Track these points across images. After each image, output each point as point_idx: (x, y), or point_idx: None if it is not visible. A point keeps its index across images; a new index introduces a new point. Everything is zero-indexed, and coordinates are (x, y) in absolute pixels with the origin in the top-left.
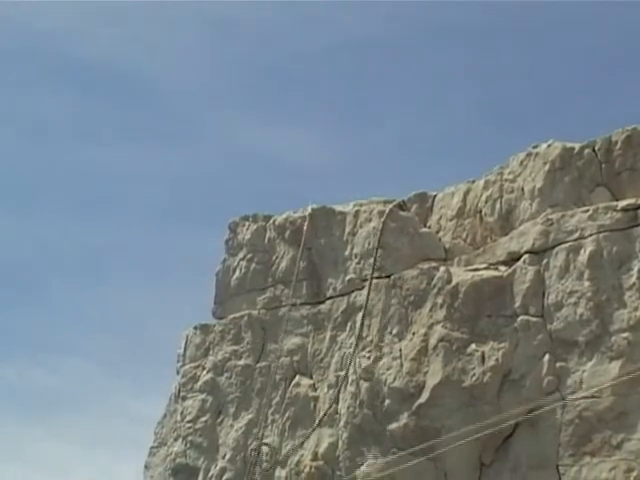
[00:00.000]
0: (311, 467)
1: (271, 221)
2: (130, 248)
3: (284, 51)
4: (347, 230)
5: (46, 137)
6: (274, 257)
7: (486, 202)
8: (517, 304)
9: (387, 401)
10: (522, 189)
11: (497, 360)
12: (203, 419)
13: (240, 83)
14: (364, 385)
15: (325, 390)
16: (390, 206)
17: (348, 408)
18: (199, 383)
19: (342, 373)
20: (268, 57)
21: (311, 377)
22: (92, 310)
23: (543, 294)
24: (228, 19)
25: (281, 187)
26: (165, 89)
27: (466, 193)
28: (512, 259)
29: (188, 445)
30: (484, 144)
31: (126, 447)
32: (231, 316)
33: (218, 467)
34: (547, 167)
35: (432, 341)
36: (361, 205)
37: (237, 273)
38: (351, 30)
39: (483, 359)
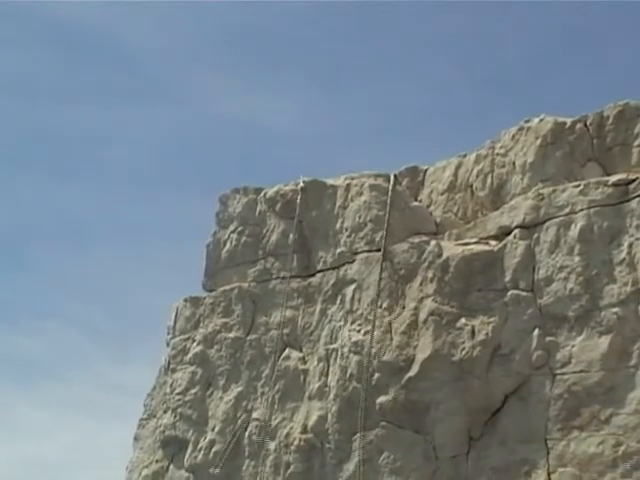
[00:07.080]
0: (300, 440)
1: (262, 194)
2: (114, 214)
3: (267, 10)
4: (338, 203)
5: (25, 100)
6: (265, 230)
7: (477, 176)
8: (507, 278)
9: (377, 375)
10: (513, 163)
11: (487, 334)
12: (193, 391)
13: (223, 45)
14: (354, 358)
15: (315, 363)
16: (390, 185)
17: (338, 381)
18: (189, 355)
19: (332, 346)
20: (250, 17)
21: (301, 350)
22: (75, 277)
23: (533, 269)
24: None
25: (267, 155)
26: (146, 50)
27: (457, 167)
28: (503, 233)
29: (177, 417)
30: (476, 116)
31: (108, 414)
32: (221, 289)
33: (207, 439)
34: (539, 142)
35: (422, 315)
36: (352, 178)
37: (228, 246)
38: None
39: (473, 333)
